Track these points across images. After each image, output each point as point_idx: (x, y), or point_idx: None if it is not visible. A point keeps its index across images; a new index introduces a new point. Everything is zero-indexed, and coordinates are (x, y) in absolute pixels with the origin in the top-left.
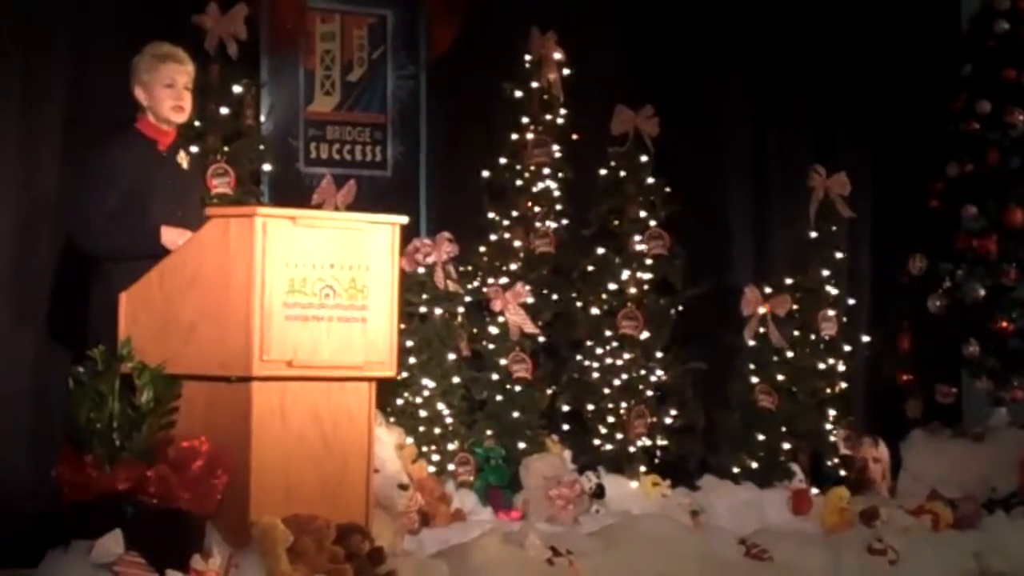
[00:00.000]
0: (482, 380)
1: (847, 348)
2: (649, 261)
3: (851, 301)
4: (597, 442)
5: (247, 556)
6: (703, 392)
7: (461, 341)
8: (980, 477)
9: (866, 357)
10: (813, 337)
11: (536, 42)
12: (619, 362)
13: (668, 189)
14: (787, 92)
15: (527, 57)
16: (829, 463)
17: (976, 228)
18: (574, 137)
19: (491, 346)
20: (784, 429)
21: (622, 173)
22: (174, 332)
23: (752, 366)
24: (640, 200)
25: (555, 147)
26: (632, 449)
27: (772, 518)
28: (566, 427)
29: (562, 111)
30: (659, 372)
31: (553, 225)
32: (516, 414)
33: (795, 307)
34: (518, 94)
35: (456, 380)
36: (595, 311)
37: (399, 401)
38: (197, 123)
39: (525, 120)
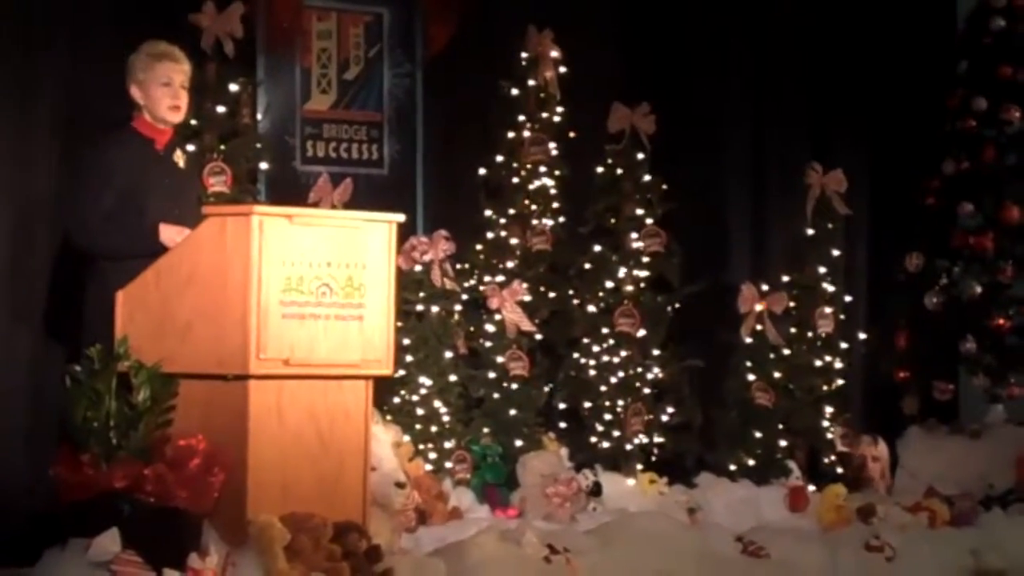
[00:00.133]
0: (479, 378)
1: (844, 345)
2: (646, 259)
3: (848, 298)
4: (594, 440)
5: (244, 554)
6: (700, 390)
7: (458, 339)
8: (977, 474)
9: (863, 354)
10: (810, 334)
11: (533, 40)
12: (616, 360)
13: (665, 187)
14: (784, 89)
15: (524, 55)
16: (826, 460)
17: (973, 225)
18: (571, 135)
19: (488, 344)
20: (781, 426)
21: (619, 171)
22: (170, 331)
23: (749, 363)
24: (637, 198)
25: (552, 145)
26: (629, 447)
27: (769, 515)
28: (563, 425)
29: (559, 109)
30: (656, 370)
31: (550, 223)
32: (513, 412)
33: (792, 304)
34: (515, 92)
35: (453, 378)
36: (592, 309)
37: (396, 399)
38: (194, 122)
39: (522, 118)
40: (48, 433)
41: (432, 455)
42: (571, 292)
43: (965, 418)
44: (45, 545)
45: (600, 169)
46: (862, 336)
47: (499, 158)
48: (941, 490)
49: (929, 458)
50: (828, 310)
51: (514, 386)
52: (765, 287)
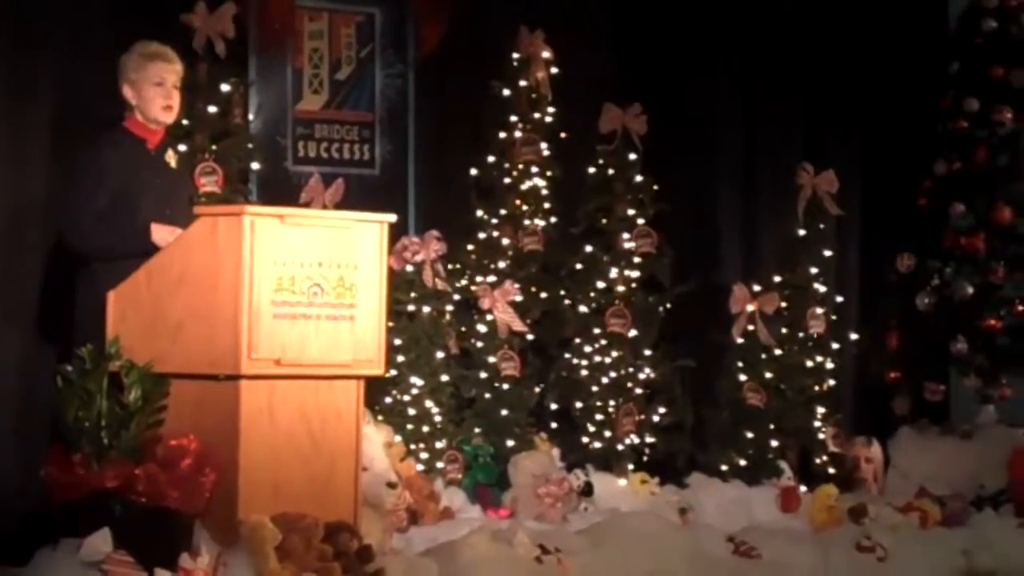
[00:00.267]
0: (470, 378)
1: (835, 346)
2: (637, 259)
3: (839, 299)
4: (585, 440)
5: (235, 554)
6: (691, 390)
7: (449, 339)
8: (968, 475)
9: (854, 355)
10: (801, 335)
11: (524, 40)
12: (607, 360)
13: (656, 187)
14: (775, 90)
15: (515, 55)
16: (817, 461)
17: (964, 226)
18: (562, 135)
19: (479, 344)
20: (772, 427)
21: (610, 171)
22: (162, 331)
23: (740, 364)
24: (628, 198)
25: (543, 145)
26: (620, 447)
27: (760, 516)
28: (554, 425)
29: (550, 109)
30: (647, 370)
31: (541, 223)
32: (504, 412)
33: (783, 305)
34: (506, 92)
35: (444, 378)
36: (583, 309)
37: (387, 399)
38: (185, 122)
39: (513, 118)
40: (39, 433)
41: (424, 455)
42: (563, 292)
43: (956, 419)
44: (36, 545)
45: (592, 169)
46: (853, 337)
47: (491, 158)
48: (932, 491)
49: (920, 459)
50: (819, 310)
51: (505, 386)
52: (756, 287)
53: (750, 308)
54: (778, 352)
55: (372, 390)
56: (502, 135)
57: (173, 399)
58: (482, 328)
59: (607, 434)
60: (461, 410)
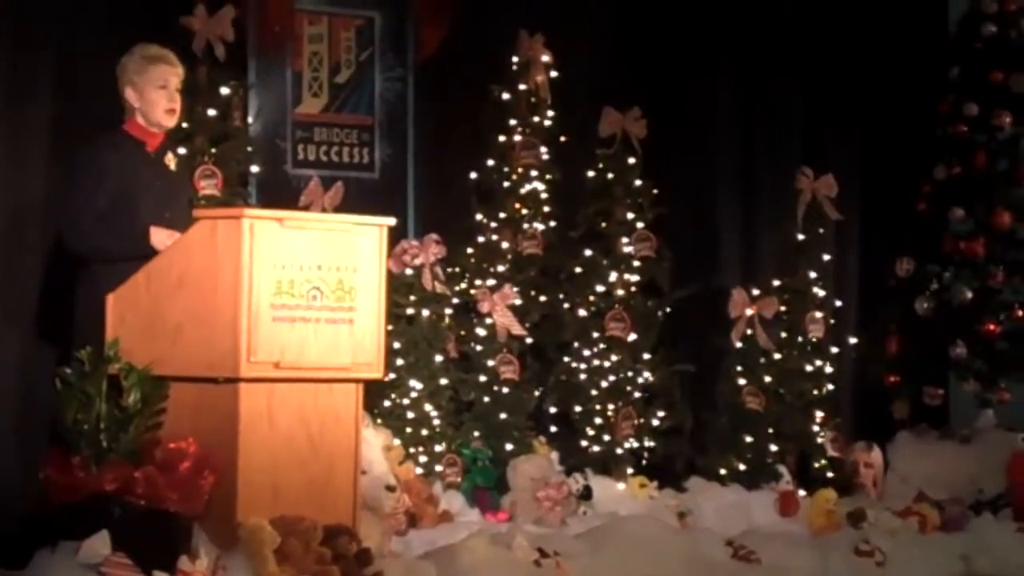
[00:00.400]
0: (469, 382)
1: (834, 350)
2: (637, 263)
3: (839, 303)
4: (584, 444)
5: (234, 557)
6: (690, 394)
7: (449, 343)
8: (967, 479)
9: (853, 359)
10: (800, 339)
11: (524, 44)
12: (606, 364)
13: (656, 191)
14: (775, 94)
15: (515, 59)
16: (816, 465)
17: (963, 230)
18: (562, 139)
19: (479, 348)
20: (771, 431)
21: (610, 175)
22: (161, 333)
23: (739, 368)
24: (628, 202)
25: (543, 149)
26: (619, 451)
27: (759, 520)
28: (553, 429)
29: (550, 113)
30: (646, 374)
31: (541, 227)
32: (503, 416)
33: (783, 309)
34: (506, 96)
35: (443, 382)
36: (583, 313)
37: (386, 403)
38: (185, 125)
39: (513, 122)
40: (39, 435)
41: (422, 458)
42: (562, 296)
43: (955, 423)
44: (35, 547)
45: (591, 173)
46: (853, 341)
47: (490, 162)
48: (931, 495)
49: (919, 463)
50: (819, 315)
51: (505, 390)
52: (756, 291)
53: (749, 312)
54: (777, 356)
55: (371, 393)
56: (501, 139)
57: (172, 402)
58: (481, 332)
59: (606, 438)
60: (460, 413)
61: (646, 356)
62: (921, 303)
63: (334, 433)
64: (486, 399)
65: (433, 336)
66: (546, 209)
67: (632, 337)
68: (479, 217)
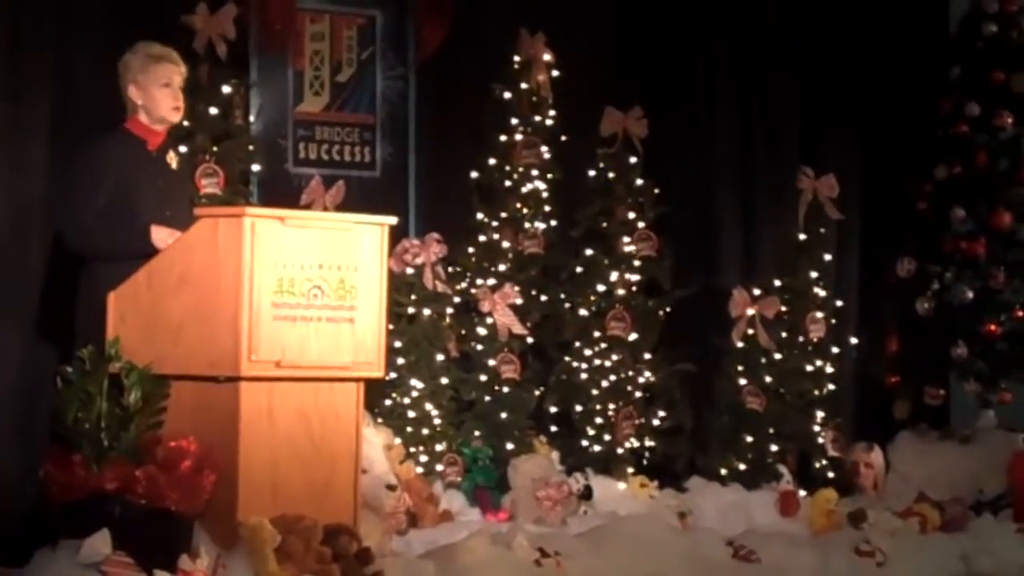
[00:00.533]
0: (470, 381)
1: (835, 350)
2: (637, 263)
3: (839, 303)
4: (585, 443)
5: (235, 556)
6: (691, 394)
7: (449, 342)
8: (968, 479)
9: (854, 359)
10: (801, 339)
11: (525, 43)
12: (607, 363)
13: (657, 191)
14: (776, 94)
15: (516, 58)
16: (817, 465)
17: (964, 231)
18: (563, 138)
19: (479, 347)
20: (772, 431)
21: (611, 174)
22: (162, 332)
23: (740, 368)
24: (629, 201)
25: (544, 148)
26: (620, 450)
27: (760, 520)
28: (554, 428)
29: (551, 112)
30: (647, 373)
31: (542, 226)
32: (504, 415)
33: (783, 309)
34: (507, 95)
35: (444, 381)
36: (583, 312)
37: (387, 402)
38: (186, 123)
39: (514, 121)
40: (40, 434)
41: (423, 458)
42: (563, 295)
43: (956, 423)
44: (36, 546)
45: (592, 173)
46: (853, 341)
47: (491, 161)
48: (932, 495)
49: (920, 463)
50: (819, 315)
51: (505, 389)
52: (757, 291)
53: (750, 312)
54: (778, 356)
55: (372, 392)
56: (503, 138)
57: (173, 401)
58: (482, 331)
59: (607, 437)
60: (461, 413)
61: (647, 356)
62: (922, 303)
63: (335, 432)
64: (487, 398)
65: (434, 335)
66: (547, 208)
67: (633, 337)
68: (480, 216)
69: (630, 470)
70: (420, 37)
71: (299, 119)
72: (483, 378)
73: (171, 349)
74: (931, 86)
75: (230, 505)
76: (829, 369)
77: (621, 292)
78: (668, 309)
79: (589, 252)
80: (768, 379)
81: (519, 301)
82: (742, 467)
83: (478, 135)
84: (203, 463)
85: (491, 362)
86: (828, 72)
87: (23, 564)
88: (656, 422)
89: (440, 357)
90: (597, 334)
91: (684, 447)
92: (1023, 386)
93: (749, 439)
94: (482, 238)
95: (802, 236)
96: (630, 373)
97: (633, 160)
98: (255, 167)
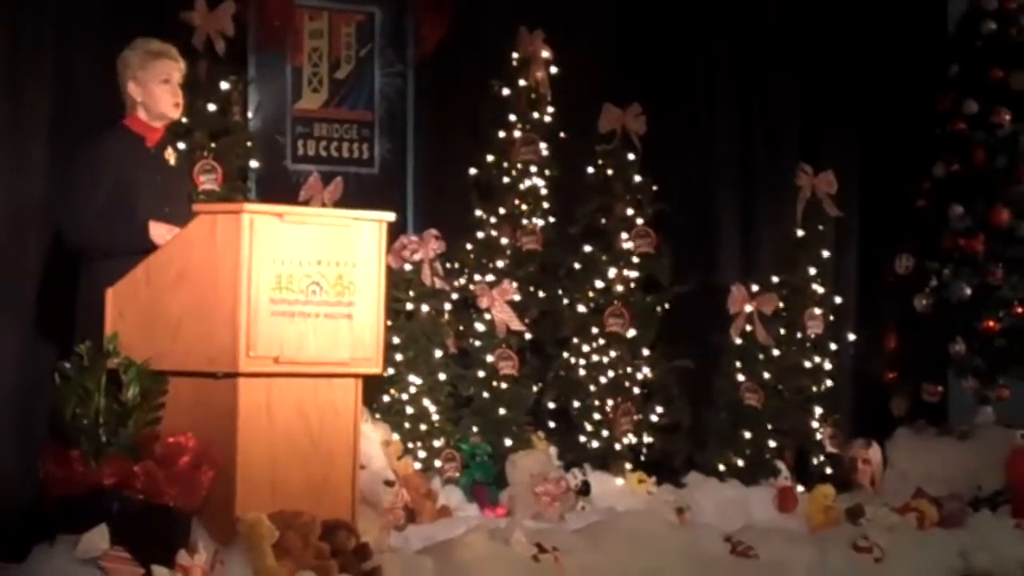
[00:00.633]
0: (468, 377)
1: (833, 347)
2: (636, 259)
3: (838, 300)
4: (583, 439)
5: (233, 552)
6: (689, 390)
7: (448, 338)
8: (966, 475)
9: (852, 356)
10: (799, 335)
11: (524, 40)
12: (605, 359)
13: (655, 187)
14: (775, 91)
15: (515, 55)
16: (815, 461)
17: (962, 228)
18: (561, 135)
19: (478, 343)
20: (770, 427)
21: (609, 171)
22: (161, 328)
23: (738, 364)
24: (627, 198)
25: (542, 145)
26: (618, 446)
27: (758, 515)
28: (552, 424)
29: (549, 109)
30: (645, 370)
31: (540, 223)
32: (502, 411)
33: (781, 305)
34: (506, 92)
35: (442, 377)
36: (582, 309)
37: (385, 398)
38: (184, 120)
39: (512, 118)
40: (38, 430)
41: (421, 453)
42: (561, 292)
43: (954, 420)
44: (34, 541)
45: (590, 169)
46: (851, 337)
47: (490, 158)
48: (930, 491)
49: (918, 459)
50: (818, 311)
51: (503, 385)
52: (755, 288)
53: (748, 308)
54: (776, 353)
55: (370, 388)
56: (501, 134)
57: (171, 397)
58: (480, 327)
59: (605, 433)
60: (459, 409)
61: (645, 352)
62: (920, 300)
63: (333, 428)
64: (485, 394)
65: (432, 331)
66: (545, 205)
67: (631, 333)
68: (478, 213)
69: (628, 466)
70: (419, 34)
71: (297, 116)
72: (481, 374)
73: (169, 345)
74: (930, 83)
75: (228, 501)
76: (827, 366)
77: (619, 289)
78: (666, 305)
79: (587, 249)
80: (766, 375)
81: (517, 297)
82: (740, 463)
83: (477, 132)
84: (201, 459)
85: (489, 358)
86: (827, 69)
87: (21, 559)
88: (654, 418)
89: (438, 353)
90: (595, 330)
91: (682, 443)
92: (1021, 382)
93: (747, 435)
94: (480, 234)
95: (800, 233)
96: (628, 369)
97: (631, 157)
98: (253, 163)
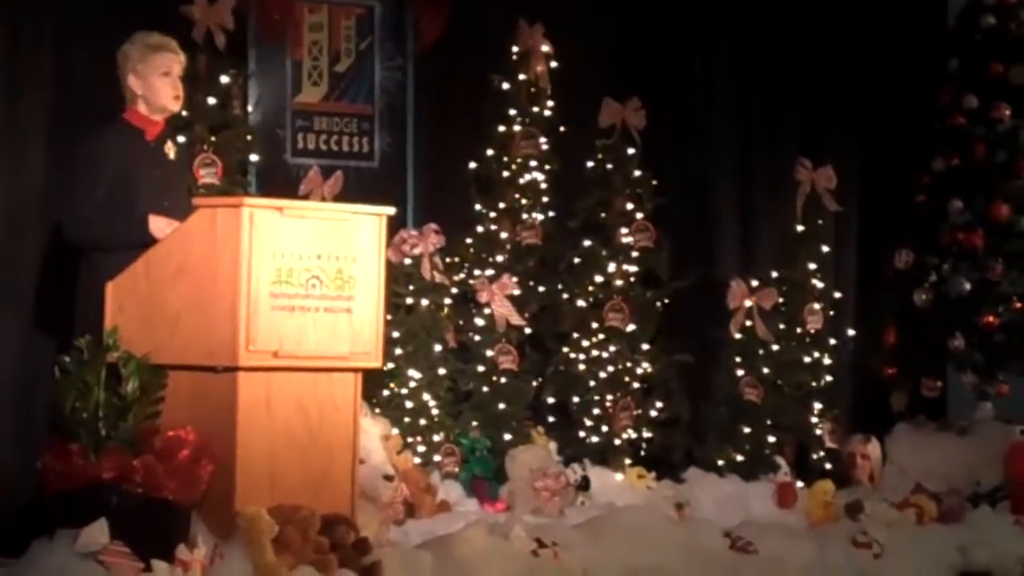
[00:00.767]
0: (468, 371)
1: (833, 341)
2: (635, 253)
3: (837, 295)
4: (583, 434)
5: (232, 546)
6: (689, 385)
7: (447, 332)
8: (965, 471)
9: (851, 351)
10: (799, 330)
11: (524, 34)
12: (605, 354)
13: (655, 182)
14: (774, 85)
15: (515, 49)
16: (814, 456)
17: (962, 222)
18: (561, 129)
19: (477, 337)
20: (769, 422)
21: (609, 165)
22: (160, 322)
23: (738, 359)
24: (627, 192)
25: (542, 139)
26: (617, 441)
27: (757, 511)
28: (552, 419)
29: (549, 103)
30: (645, 364)
31: (540, 217)
32: (502, 405)
33: (781, 300)
34: (505, 86)
35: (442, 371)
36: (581, 303)
37: (385, 392)
38: (184, 113)
39: (512, 112)
40: (38, 424)
41: (421, 448)
42: (560, 286)
43: (953, 415)
44: (33, 535)
45: (590, 164)
46: (851, 332)
47: (489, 152)
48: (929, 487)
49: (917, 455)
50: (817, 306)
51: (503, 380)
52: (754, 283)
53: (748, 303)
54: (775, 348)
55: (370, 383)
56: (501, 128)
57: (171, 390)
58: (480, 321)
59: (604, 428)
60: (458, 403)
61: (644, 347)
62: (919, 295)
63: (332, 422)
64: (484, 389)
65: (432, 326)
66: (545, 199)
67: (631, 328)
68: (478, 207)
69: (627, 461)
70: (419, 27)
71: (297, 109)
72: (481, 369)
73: (169, 339)
74: (929, 78)
75: (228, 495)
76: (827, 361)
77: (619, 283)
78: (666, 300)
79: (587, 243)
80: (766, 370)
81: (517, 292)
82: (739, 458)
83: (476, 126)
84: (201, 453)
85: (489, 353)
86: (827, 64)
87: (20, 554)
88: (654, 413)
89: (438, 347)
90: (595, 325)
91: (681, 438)
92: (1020, 378)
93: (747, 430)
94: (480, 229)
95: (800, 228)
96: (628, 364)
97: (631, 151)
98: (253, 157)
